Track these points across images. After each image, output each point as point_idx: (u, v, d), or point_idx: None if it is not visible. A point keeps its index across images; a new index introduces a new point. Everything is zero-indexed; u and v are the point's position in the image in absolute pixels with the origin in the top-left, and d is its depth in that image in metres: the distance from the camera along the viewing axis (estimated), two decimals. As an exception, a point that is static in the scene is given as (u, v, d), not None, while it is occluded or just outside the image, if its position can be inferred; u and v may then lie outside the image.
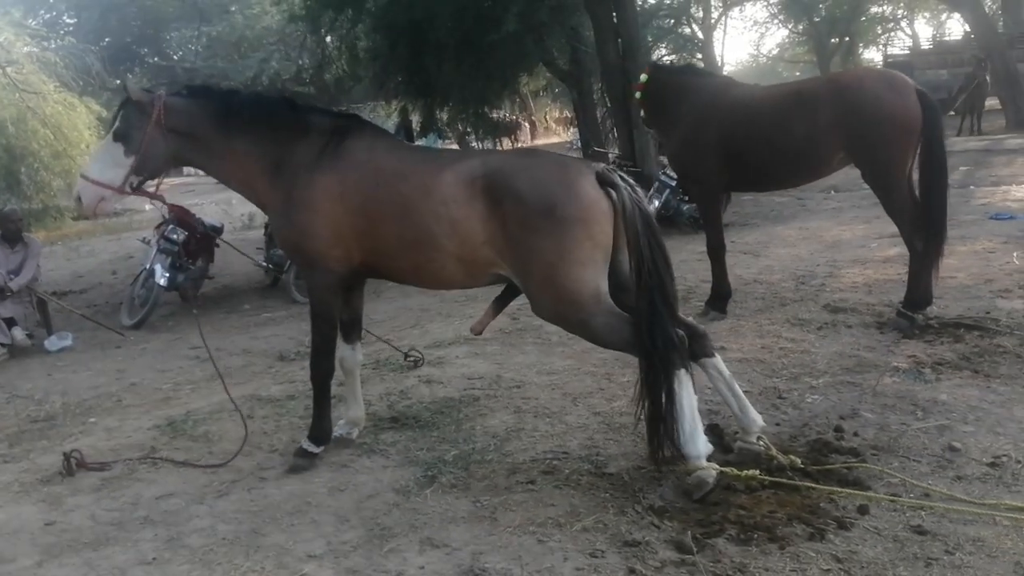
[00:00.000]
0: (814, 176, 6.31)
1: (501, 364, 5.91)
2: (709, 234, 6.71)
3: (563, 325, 3.95)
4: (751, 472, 3.66)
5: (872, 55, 54.39)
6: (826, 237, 9.74)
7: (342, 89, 44.82)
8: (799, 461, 3.83)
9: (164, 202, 5.28)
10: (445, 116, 17.73)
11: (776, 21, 50.34)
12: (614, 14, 11.27)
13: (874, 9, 47.72)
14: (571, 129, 33.63)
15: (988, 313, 5.97)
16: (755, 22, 50.01)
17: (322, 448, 4.43)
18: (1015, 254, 7.71)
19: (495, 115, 18.07)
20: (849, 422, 4.32)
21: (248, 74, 36.81)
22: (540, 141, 37.29)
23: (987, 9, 40.36)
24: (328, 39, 16.88)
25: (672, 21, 34.96)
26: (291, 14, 15.86)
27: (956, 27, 59.34)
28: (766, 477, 3.67)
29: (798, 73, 55.48)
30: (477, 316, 4.36)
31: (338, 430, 4.66)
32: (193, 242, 9.36)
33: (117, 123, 4.35)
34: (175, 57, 32.16)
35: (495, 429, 4.65)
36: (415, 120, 18.11)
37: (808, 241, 9.54)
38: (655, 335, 3.67)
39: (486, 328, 4.37)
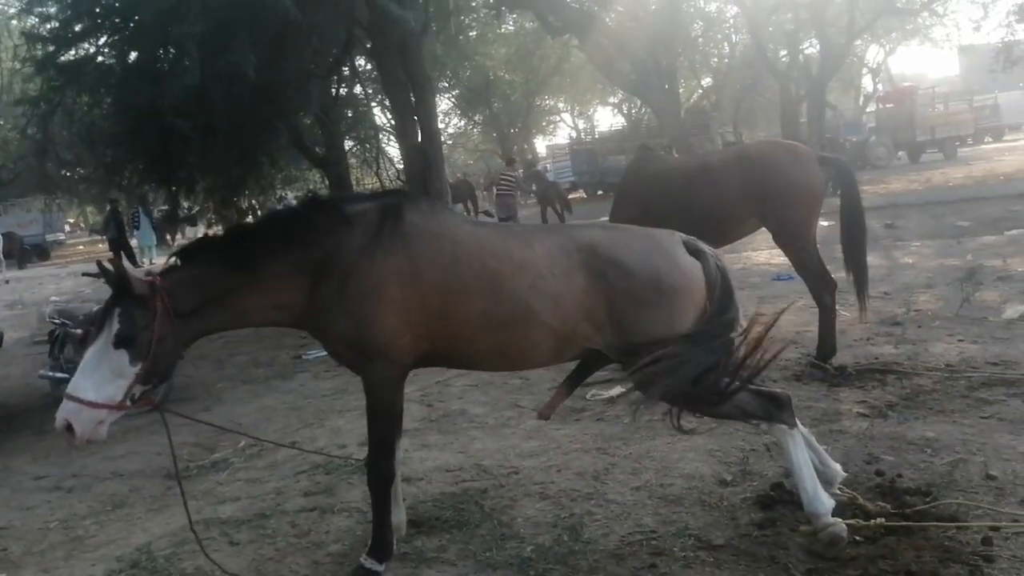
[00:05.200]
0: (729, 240, 6.70)
1: (464, 452, 5.58)
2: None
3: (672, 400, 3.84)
4: (879, 520, 3.76)
5: (540, 144, 59.46)
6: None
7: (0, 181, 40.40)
8: (889, 507, 3.98)
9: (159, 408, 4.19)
10: (191, 204, 16.57)
11: (457, 112, 52.76)
12: (412, 98, 11.28)
13: (548, 102, 52.18)
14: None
15: (877, 359, 6.63)
16: (441, 112, 52.10)
17: (385, 565, 3.89)
18: (838, 308, 8.62)
19: (244, 203, 17.18)
20: (876, 466, 4.57)
21: None
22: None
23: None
24: (50, 125, 15.13)
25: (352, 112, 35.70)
26: (18, 97, 14.07)
27: (605, 119, 66.64)
28: (892, 523, 3.77)
29: (471, 162, 59.12)
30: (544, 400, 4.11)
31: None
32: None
33: (117, 325, 3.47)
34: None
35: (542, 519, 4.37)
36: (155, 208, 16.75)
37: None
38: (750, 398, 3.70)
39: (555, 411, 4.14)
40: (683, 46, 34.29)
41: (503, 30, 38.24)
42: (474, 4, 22.53)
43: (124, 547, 4.67)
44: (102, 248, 38.70)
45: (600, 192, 38.33)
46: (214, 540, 4.52)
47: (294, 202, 31.32)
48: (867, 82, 49.10)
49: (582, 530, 4.16)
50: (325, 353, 9.62)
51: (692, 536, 3.96)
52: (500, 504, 4.62)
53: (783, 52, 36.03)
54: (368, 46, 12.53)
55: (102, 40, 11.88)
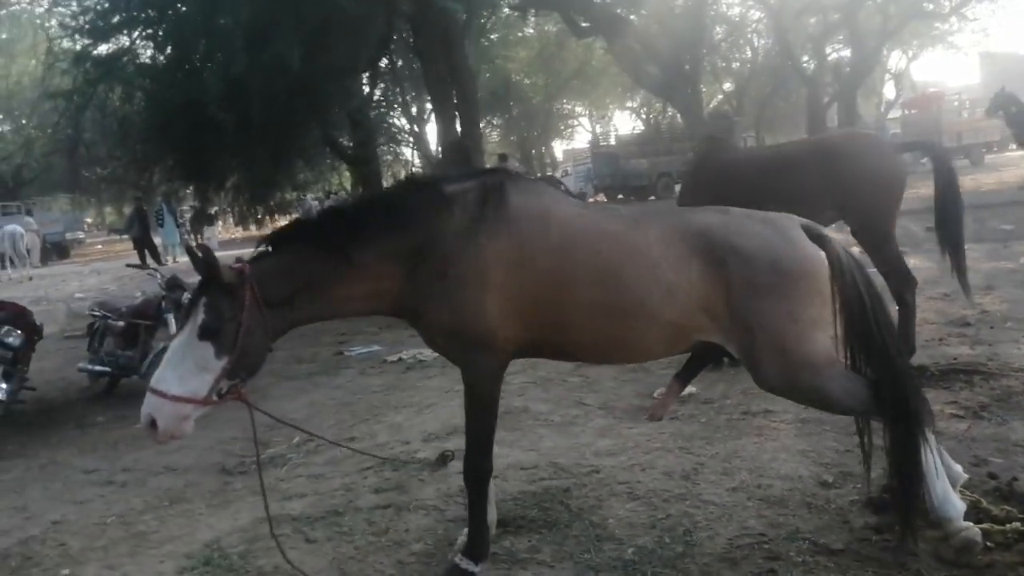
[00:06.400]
0: None
1: (536, 450, 5.35)
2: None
3: (793, 394, 3.58)
4: (1014, 525, 3.51)
5: (557, 147, 59.50)
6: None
7: (20, 180, 40.51)
8: (1015, 511, 3.74)
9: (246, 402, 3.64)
10: (220, 200, 16.42)
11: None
12: (454, 94, 11.08)
13: (567, 105, 52.05)
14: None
15: (956, 359, 6.37)
16: (460, 115, 52.23)
17: (481, 566, 3.66)
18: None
19: (274, 201, 16.99)
20: (986, 468, 4.32)
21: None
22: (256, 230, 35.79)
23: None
24: (82, 120, 14.97)
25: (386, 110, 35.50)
26: (49, 91, 13.91)
27: (622, 123, 66.38)
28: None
29: (488, 165, 59.03)
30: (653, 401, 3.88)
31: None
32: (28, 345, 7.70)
33: (202, 316, 3.29)
34: None
35: (636, 519, 4.13)
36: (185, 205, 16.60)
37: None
38: (905, 394, 3.43)
39: (668, 410, 3.91)
40: (706, 50, 34.01)
41: (523, 33, 38.12)
42: (502, 2, 22.28)
43: (191, 544, 4.45)
44: (120, 248, 38.75)
45: (620, 196, 38.00)
46: (289, 537, 4.30)
47: (314, 203, 31.20)
48: (888, 88, 48.76)
49: (693, 533, 3.91)
50: (368, 350, 9.51)
51: (806, 540, 3.72)
52: (587, 504, 4.38)
53: (805, 57, 35.76)
54: (409, 40, 12.36)
55: (140, 32, 11.72)
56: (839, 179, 5.96)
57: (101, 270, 25.46)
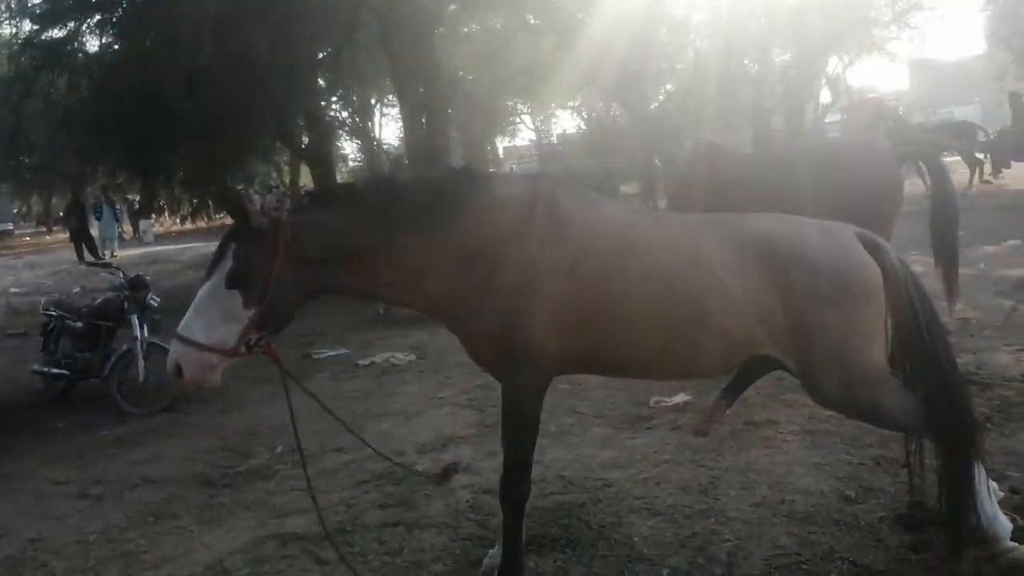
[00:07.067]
0: None
1: (540, 462, 5.08)
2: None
3: (849, 410, 3.48)
4: (1061, 545, 3.47)
5: (499, 144, 59.11)
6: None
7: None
8: (1052, 528, 3.71)
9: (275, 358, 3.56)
10: (166, 194, 15.91)
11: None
12: (422, 91, 10.85)
13: (510, 103, 51.75)
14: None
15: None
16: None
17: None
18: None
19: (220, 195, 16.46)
20: (1007, 483, 4.29)
21: None
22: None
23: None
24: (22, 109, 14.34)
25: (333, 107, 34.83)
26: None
27: (564, 122, 66.29)
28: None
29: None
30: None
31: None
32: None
33: (231, 262, 3.19)
34: None
35: (662, 538, 4.01)
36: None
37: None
38: (958, 409, 3.36)
39: (713, 426, 3.80)
40: (653, 51, 34.12)
41: (469, 29, 37.76)
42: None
43: (190, 565, 4.21)
44: (50, 239, 37.48)
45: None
46: (297, 559, 4.11)
47: (256, 197, 30.48)
48: (824, 94, 49.62)
49: (712, 552, 3.80)
50: (337, 352, 9.25)
51: (844, 560, 3.64)
52: (607, 520, 4.25)
53: (746, 60, 36.13)
54: (371, 35, 12.09)
55: (91, 18, 11.23)
56: (839, 187, 5.93)
57: (35, 264, 24.52)
